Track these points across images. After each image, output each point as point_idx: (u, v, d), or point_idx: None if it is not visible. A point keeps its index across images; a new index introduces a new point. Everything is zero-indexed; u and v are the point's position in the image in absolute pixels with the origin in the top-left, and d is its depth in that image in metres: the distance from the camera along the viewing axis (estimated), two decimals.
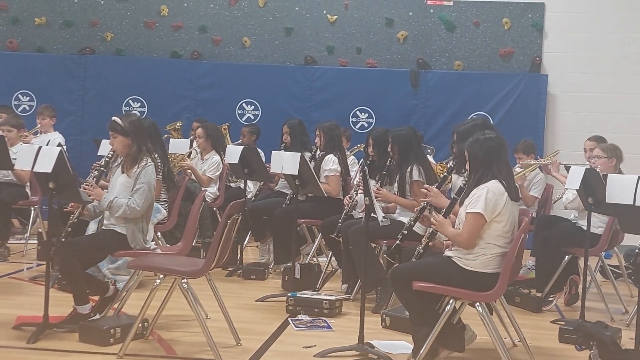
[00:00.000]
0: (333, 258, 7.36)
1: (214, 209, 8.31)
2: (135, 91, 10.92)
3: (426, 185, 5.52)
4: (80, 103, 10.95)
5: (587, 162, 6.96)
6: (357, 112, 10.70)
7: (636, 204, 4.71)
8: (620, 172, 6.53)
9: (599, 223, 6.57)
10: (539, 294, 6.78)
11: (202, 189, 7.82)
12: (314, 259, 7.65)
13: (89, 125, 10.74)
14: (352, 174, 7.91)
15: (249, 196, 8.23)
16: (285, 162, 6.68)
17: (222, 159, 8.33)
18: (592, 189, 5.97)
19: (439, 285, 4.71)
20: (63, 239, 5.90)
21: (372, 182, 6.59)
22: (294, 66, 10.87)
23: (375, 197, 5.80)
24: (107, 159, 5.85)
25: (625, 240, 6.89)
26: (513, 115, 10.23)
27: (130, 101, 10.91)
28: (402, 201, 6.44)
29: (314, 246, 7.68)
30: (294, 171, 6.55)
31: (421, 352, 4.75)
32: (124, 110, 10.64)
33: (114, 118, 5.60)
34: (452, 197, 5.23)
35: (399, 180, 6.50)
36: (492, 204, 4.67)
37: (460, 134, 5.69)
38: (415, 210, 5.61)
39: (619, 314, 6.66)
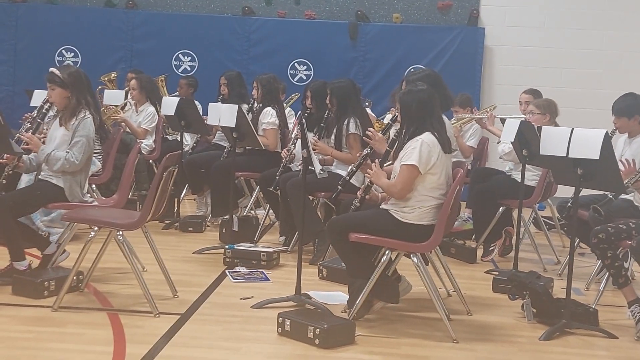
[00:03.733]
0: (271, 211, 7.36)
1: (150, 161, 8.20)
2: (69, 41, 10.64)
3: (371, 129, 5.50)
4: (12, 53, 10.64)
5: (523, 115, 7.04)
6: (296, 65, 10.62)
7: (569, 156, 4.78)
8: (556, 126, 6.62)
9: (533, 175, 6.68)
10: (473, 245, 6.90)
11: (138, 141, 7.69)
12: (252, 212, 7.63)
13: (21, 75, 10.47)
14: (290, 126, 7.86)
15: (185, 149, 8.13)
16: (222, 114, 6.60)
17: (157, 111, 8.19)
18: (526, 141, 6.04)
19: (376, 236, 4.74)
20: None
21: (310, 135, 6.58)
22: (231, 17, 10.71)
23: (313, 150, 5.79)
24: (43, 110, 5.69)
25: (559, 192, 7.03)
26: (451, 68, 10.26)
27: (63, 51, 10.63)
28: (339, 154, 6.44)
29: (252, 199, 7.66)
30: (232, 123, 6.48)
31: (357, 302, 4.80)
32: (57, 61, 10.37)
33: (52, 69, 5.45)
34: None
35: (336, 132, 6.48)
36: (425, 156, 4.69)
37: (409, 84, 5.66)
38: (358, 156, 5.62)
39: (552, 264, 6.82)
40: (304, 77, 10.53)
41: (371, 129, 5.47)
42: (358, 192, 5.27)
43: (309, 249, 6.44)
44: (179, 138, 7.83)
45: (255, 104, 7.64)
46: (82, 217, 5.12)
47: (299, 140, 6.06)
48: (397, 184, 4.75)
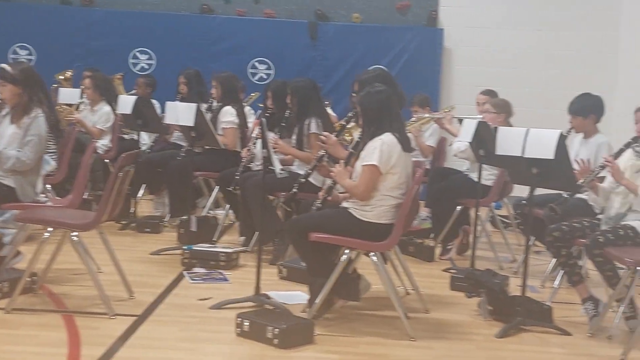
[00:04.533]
0: (230, 211, 7.32)
1: (106, 160, 8.10)
2: (23, 39, 10.48)
3: (325, 133, 5.51)
4: None
5: (480, 116, 7.10)
6: (256, 64, 10.59)
7: (524, 156, 4.83)
8: (510, 126, 6.68)
9: (489, 175, 6.74)
10: (432, 244, 6.95)
11: (93, 140, 7.60)
12: (211, 212, 7.58)
13: None
14: (250, 125, 7.83)
15: (143, 148, 8.06)
16: (180, 113, 6.55)
17: (113, 110, 8.09)
18: (483, 141, 6.11)
19: (335, 235, 4.75)
20: None
21: (270, 134, 6.56)
22: (190, 15, 10.65)
23: (273, 149, 5.78)
24: None
25: (515, 191, 7.11)
26: (410, 68, 10.33)
27: (17, 49, 10.47)
28: (299, 154, 6.42)
29: (211, 199, 7.61)
30: (190, 122, 6.43)
31: (317, 301, 4.80)
32: (11, 59, 10.20)
33: (3, 65, 5.35)
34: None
35: (297, 132, 6.47)
36: (386, 156, 4.71)
37: (362, 84, 5.68)
38: (314, 157, 5.62)
39: (508, 262, 6.89)
40: (264, 76, 10.50)
41: (325, 133, 5.46)
42: (320, 193, 5.26)
43: (269, 249, 6.42)
44: (135, 137, 7.75)
45: (215, 103, 7.59)
46: (35, 217, 5.04)
47: (259, 140, 6.04)
48: (360, 185, 4.76)
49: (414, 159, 5.12)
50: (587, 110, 6.03)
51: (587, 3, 10.52)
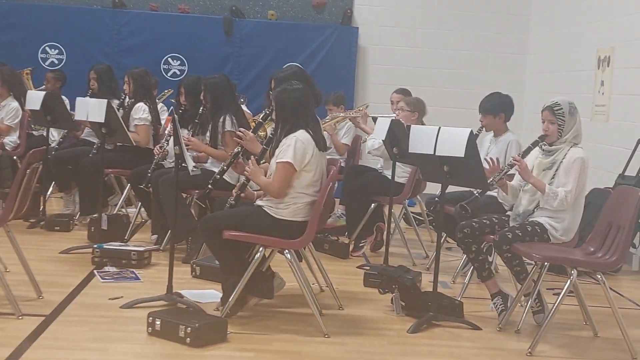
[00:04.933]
0: (142, 209, 7.21)
1: (15, 157, 7.87)
2: None
3: (242, 129, 5.47)
4: None
5: (394, 114, 7.19)
6: (169, 59, 10.45)
7: (436, 154, 4.91)
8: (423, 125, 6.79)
9: (403, 173, 6.83)
10: (346, 241, 7.00)
11: (0, 136, 7.37)
12: (123, 210, 7.46)
13: None
14: (163, 122, 7.73)
15: (52, 144, 7.86)
16: (90, 109, 6.40)
17: (21, 106, 7.87)
18: (397, 139, 6.19)
19: (249, 233, 4.73)
20: None
21: (184, 132, 6.49)
22: (101, 9, 10.43)
23: (187, 147, 5.71)
24: None
25: (428, 188, 7.23)
26: (325, 66, 10.38)
27: None
28: (213, 151, 6.37)
29: (123, 197, 7.48)
30: (100, 119, 6.29)
31: (230, 299, 4.77)
32: None
33: None
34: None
35: (212, 129, 6.41)
36: (300, 154, 4.72)
37: (278, 81, 5.66)
38: (230, 154, 5.58)
39: (420, 258, 7.00)
40: (178, 72, 10.38)
41: (242, 129, 5.43)
42: (233, 190, 5.23)
43: (183, 248, 6.36)
44: (45, 133, 7.55)
45: (127, 99, 7.46)
46: None
47: (172, 137, 5.96)
48: (275, 183, 4.76)
49: (329, 157, 5.14)
50: (497, 109, 6.17)
51: (500, 6, 10.76)
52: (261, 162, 5.09)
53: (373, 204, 6.89)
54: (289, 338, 4.62)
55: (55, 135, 8.25)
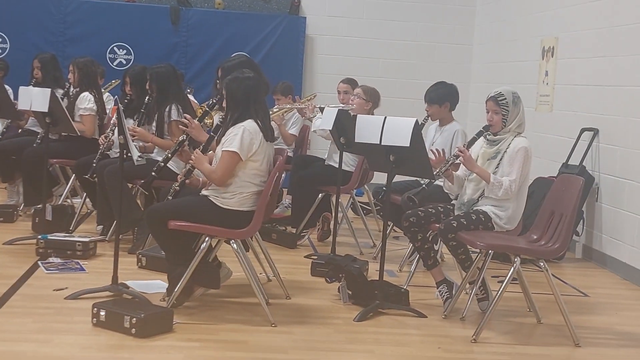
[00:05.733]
0: (87, 199, 7.13)
1: None
2: None
3: (187, 116, 5.43)
4: None
5: (341, 104, 7.21)
6: (115, 49, 10.32)
7: (382, 144, 4.95)
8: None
9: (350, 162, 6.86)
10: (294, 231, 7.01)
11: None
12: (68, 200, 7.36)
13: None
14: (108, 111, 7.64)
15: None
16: (34, 99, 6.30)
17: None
18: (344, 129, 6.22)
19: (195, 223, 4.71)
20: None
21: (130, 122, 6.43)
22: None
23: (133, 137, 5.66)
24: None
25: (375, 178, 7.28)
26: (273, 56, 10.35)
27: None
28: (160, 141, 6.32)
29: (67, 187, 7.39)
30: (44, 108, 6.20)
31: (176, 290, 4.75)
32: None
33: None
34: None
35: (157, 119, 6.36)
36: (247, 143, 4.71)
37: (225, 71, 5.64)
38: (175, 142, 5.55)
39: (368, 247, 7.05)
40: (124, 62, 10.25)
41: (187, 116, 5.40)
42: (178, 177, 5.21)
43: (129, 238, 6.30)
44: None
45: (72, 89, 7.35)
46: None
47: (117, 127, 5.90)
48: (218, 170, 4.74)
49: (276, 147, 5.14)
50: (442, 98, 6.24)
51: None
52: (207, 150, 5.07)
53: (320, 194, 6.91)
54: (236, 328, 4.62)
55: None
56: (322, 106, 7.24)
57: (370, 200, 7.69)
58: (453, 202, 5.48)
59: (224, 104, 4.98)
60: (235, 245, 4.81)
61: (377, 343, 4.58)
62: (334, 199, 6.77)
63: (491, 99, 5.16)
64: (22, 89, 6.60)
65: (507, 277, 4.79)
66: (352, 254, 5.92)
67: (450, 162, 5.31)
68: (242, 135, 4.71)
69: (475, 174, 5.14)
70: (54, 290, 5.06)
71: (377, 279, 5.16)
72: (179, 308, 4.78)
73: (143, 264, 5.76)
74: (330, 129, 6.34)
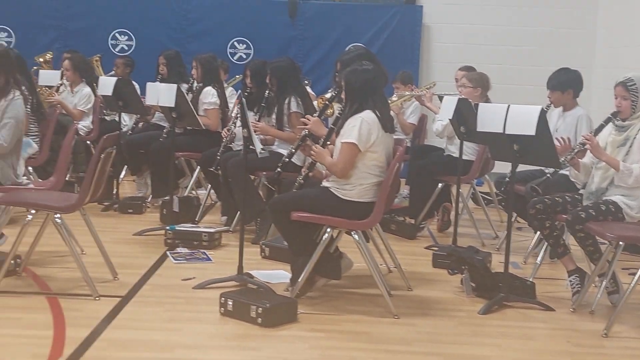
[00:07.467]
0: (212, 191, 7.32)
1: (88, 142, 8.07)
2: (2, 21, 10.33)
3: (306, 116, 5.50)
4: None
5: (459, 92, 7.11)
6: (235, 44, 10.53)
7: (505, 132, 4.85)
8: (487, 101, 6.70)
9: (470, 151, 6.76)
10: (413, 221, 6.97)
11: (74, 122, 7.56)
12: (193, 192, 7.58)
13: None
14: (231, 105, 7.82)
15: (124, 129, 8.03)
16: (161, 94, 6.51)
17: (93, 91, 8.06)
18: (464, 118, 6.13)
19: (317, 214, 4.76)
20: None
21: (250, 114, 6.55)
22: None
23: (254, 131, 5.77)
24: None
25: (496, 167, 7.15)
26: (390, 46, 10.31)
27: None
28: (280, 133, 6.43)
29: (193, 179, 7.59)
30: (171, 103, 6.40)
31: (299, 280, 4.82)
32: None
33: None
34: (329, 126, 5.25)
35: (277, 112, 6.47)
36: (365, 134, 4.71)
37: (344, 63, 5.67)
38: (297, 137, 5.62)
39: (490, 238, 6.93)
40: (244, 56, 10.45)
41: (307, 115, 5.46)
42: (302, 169, 5.27)
43: (252, 229, 6.43)
44: (117, 118, 7.71)
45: (195, 84, 7.56)
46: (17, 200, 5.02)
47: (239, 119, 6.03)
48: (339, 163, 4.77)
49: (395, 137, 5.13)
50: (565, 85, 6.06)
51: None
52: (327, 143, 5.11)
53: (440, 184, 6.84)
54: (358, 319, 4.64)
55: (127, 120, 8.42)
56: (440, 94, 7.17)
57: (491, 190, 7.55)
58: (580, 191, 5.32)
59: (343, 96, 5.00)
60: (356, 236, 4.82)
61: (503, 336, 4.50)
62: (453, 189, 6.69)
63: (620, 84, 4.98)
64: (149, 84, 6.84)
65: None
66: (474, 246, 5.83)
67: (576, 150, 5.16)
68: (360, 126, 4.72)
69: (603, 162, 4.97)
70: (182, 280, 5.22)
71: (502, 271, 5.06)
72: (302, 298, 4.84)
73: (266, 254, 5.87)
74: (450, 118, 6.26)
